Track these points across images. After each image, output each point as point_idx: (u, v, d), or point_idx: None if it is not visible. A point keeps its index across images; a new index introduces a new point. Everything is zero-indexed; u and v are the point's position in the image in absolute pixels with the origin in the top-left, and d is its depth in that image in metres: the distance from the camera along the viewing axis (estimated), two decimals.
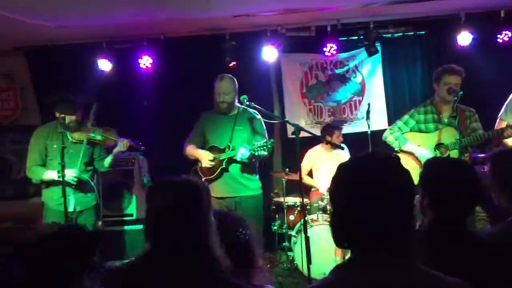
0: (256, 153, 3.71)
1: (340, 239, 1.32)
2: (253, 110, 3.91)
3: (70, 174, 3.76)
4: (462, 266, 1.65)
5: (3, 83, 5.86)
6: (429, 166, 2.02)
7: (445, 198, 1.84)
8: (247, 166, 3.93)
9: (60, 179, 3.67)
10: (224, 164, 3.89)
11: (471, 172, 1.92)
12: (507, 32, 4.95)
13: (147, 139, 5.34)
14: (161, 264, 1.60)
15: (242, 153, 3.75)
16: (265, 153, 3.73)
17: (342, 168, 1.36)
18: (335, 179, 1.36)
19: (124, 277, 1.66)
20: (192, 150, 4.01)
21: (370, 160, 1.36)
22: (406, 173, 1.31)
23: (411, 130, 4.02)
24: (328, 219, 4.50)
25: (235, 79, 4.02)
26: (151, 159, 5.36)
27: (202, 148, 4.02)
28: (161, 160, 5.02)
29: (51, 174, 3.82)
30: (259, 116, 3.99)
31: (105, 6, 4.26)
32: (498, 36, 4.99)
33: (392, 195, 1.26)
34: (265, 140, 3.74)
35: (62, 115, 3.79)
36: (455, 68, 3.87)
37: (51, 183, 3.88)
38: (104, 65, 5.19)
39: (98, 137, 3.88)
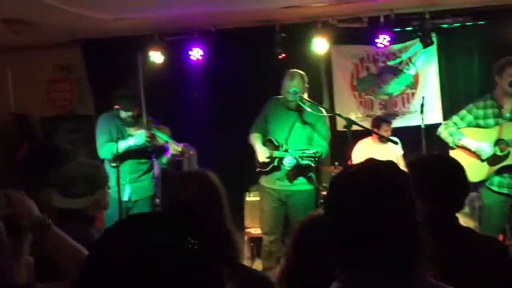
0: (301, 162, 3.67)
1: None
2: (320, 108, 3.84)
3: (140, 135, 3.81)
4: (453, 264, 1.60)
5: (61, 74, 6.08)
6: (413, 164, 1.95)
7: (434, 195, 1.78)
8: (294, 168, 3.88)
9: (115, 168, 3.76)
10: (275, 162, 3.88)
11: (457, 166, 1.89)
12: None
13: (197, 130, 5.45)
14: None
15: (288, 162, 3.73)
16: (311, 164, 3.68)
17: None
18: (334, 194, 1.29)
19: None
20: (254, 141, 3.99)
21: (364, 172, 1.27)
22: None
23: (468, 126, 3.84)
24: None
25: (305, 75, 3.91)
26: (200, 151, 5.42)
27: (264, 135, 4.00)
28: (211, 151, 5.06)
29: (124, 144, 3.84)
30: (324, 117, 3.90)
31: None
32: None
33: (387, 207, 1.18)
34: (315, 151, 3.68)
35: (119, 109, 3.88)
36: None
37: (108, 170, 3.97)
38: (156, 57, 5.28)
39: (162, 137, 3.92)
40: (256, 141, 3.99)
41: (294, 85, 3.80)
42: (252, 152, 4.03)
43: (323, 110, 3.92)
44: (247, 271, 1.69)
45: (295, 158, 3.72)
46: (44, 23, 4.78)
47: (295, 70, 3.93)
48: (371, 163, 1.28)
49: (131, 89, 3.93)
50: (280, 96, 4.00)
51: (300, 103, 3.81)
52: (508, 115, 3.69)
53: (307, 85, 3.92)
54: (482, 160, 3.71)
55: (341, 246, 1.20)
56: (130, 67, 4.09)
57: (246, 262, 4.86)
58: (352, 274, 1.20)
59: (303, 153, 3.69)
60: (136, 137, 3.85)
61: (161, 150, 4.02)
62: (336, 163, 4.92)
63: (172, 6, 4.62)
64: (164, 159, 4.07)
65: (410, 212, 1.20)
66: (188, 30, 5.33)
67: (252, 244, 5.04)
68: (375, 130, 4.99)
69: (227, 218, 1.76)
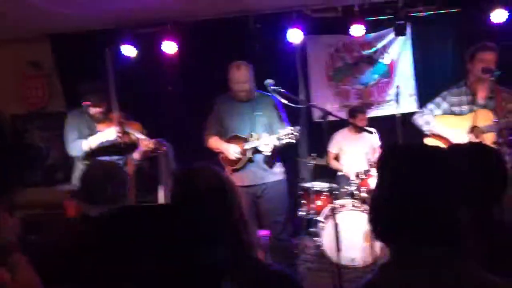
0: (283, 142, 3.64)
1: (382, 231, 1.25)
2: (271, 93, 3.80)
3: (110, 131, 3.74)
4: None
5: (31, 70, 5.91)
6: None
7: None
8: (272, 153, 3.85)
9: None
10: (250, 153, 3.83)
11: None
12: None
13: (172, 125, 5.37)
14: None
15: (266, 147, 3.69)
16: (293, 141, 3.65)
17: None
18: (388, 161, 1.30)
19: None
20: (216, 143, 3.94)
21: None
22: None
23: (443, 113, 3.86)
24: (363, 207, 4.42)
25: (250, 65, 3.88)
26: (177, 147, 5.34)
27: (221, 136, 3.96)
28: (186, 146, 4.99)
29: (93, 139, 3.77)
30: (280, 99, 3.89)
31: None
32: None
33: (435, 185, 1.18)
34: (291, 128, 3.66)
35: (87, 104, 3.78)
36: (488, 44, 3.69)
37: (81, 168, 3.88)
38: (129, 50, 5.17)
39: (133, 133, 3.83)
40: (218, 142, 3.93)
41: (241, 76, 3.78)
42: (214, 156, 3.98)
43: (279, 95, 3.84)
44: (263, 266, 1.63)
45: (278, 139, 3.67)
46: (9, 16, 4.62)
47: (240, 61, 3.88)
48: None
49: (99, 84, 3.83)
50: (222, 96, 4.00)
51: (276, 94, 3.76)
52: (481, 102, 3.72)
53: (253, 73, 3.88)
54: None
55: (401, 223, 1.21)
56: (101, 62, 3.99)
57: None
58: (408, 251, 1.21)
59: (278, 133, 3.65)
60: (106, 134, 3.76)
61: (133, 146, 3.94)
62: (313, 154, 4.90)
63: None
64: (136, 155, 3.98)
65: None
66: (161, 22, 5.23)
67: None
68: (351, 120, 4.99)
69: (242, 209, 1.71)
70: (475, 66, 3.67)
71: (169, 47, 5.15)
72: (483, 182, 1.65)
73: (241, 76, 3.80)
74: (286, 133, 3.62)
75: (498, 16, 4.74)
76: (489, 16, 4.77)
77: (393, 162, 1.28)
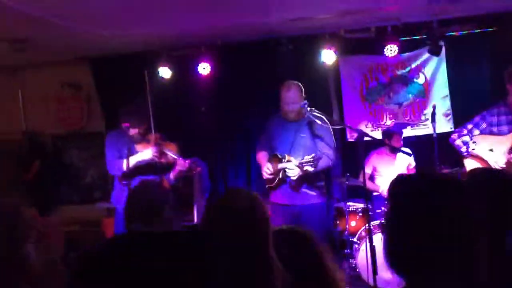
0: (304, 168, 3.64)
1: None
2: (320, 116, 3.82)
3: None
4: None
5: (70, 92, 6.12)
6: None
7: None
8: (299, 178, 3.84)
9: (125, 186, 3.76)
10: (280, 175, 3.85)
11: None
12: None
13: (207, 146, 5.45)
14: None
15: (291, 171, 3.72)
16: (311, 169, 3.64)
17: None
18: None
19: None
20: (261, 159, 4.04)
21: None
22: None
23: (481, 133, 3.79)
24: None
25: (301, 86, 3.93)
26: (210, 166, 5.41)
27: (269, 152, 4.02)
28: (220, 167, 5.06)
29: (132, 159, 3.83)
30: (326, 124, 3.88)
31: (163, 13, 4.33)
32: None
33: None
34: (313, 155, 3.65)
35: (127, 126, 3.88)
36: None
37: (120, 187, 3.96)
38: (165, 72, 5.30)
39: (170, 154, 3.91)
40: (262, 159, 4.01)
41: (291, 96, 3.80)
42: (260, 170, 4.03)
43: (326, 119, 3.86)
44: None
45: (297, 166, 3.68)
46: (46, 40, 4.81)
47: (291, 81, 3.93)
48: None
49: (138, 106, 3.94)
50: (277, 114, 4.03)
51: (310, 114, 3.78)
52: None
53: (304, 95, 3.91)
54: None
55: (413, 256, 1.19)
56: (138, 83, 4.10)
57: None
58: (421, 285, 1.18)
59: (302, 159, 3.66)
60: (144, 154, 3.85)
61: (169, 166, 4.01)
62: (347, 174, 4.86)
63: (178, 22, 4.64)
64: (172, 175, 4.05)
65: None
66: (195, 45, 5.35)
67: None
68: (387, 141, 4.96)
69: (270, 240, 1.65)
70: None
71: (203, 68, 5.26)
72: (498, 213, 1.57)
73: (290, 96, 3.83)
74: (307, 160, 3.62)
75: None
76: None
77: (404, 193, 1.25)
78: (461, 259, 1.16)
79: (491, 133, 3.75)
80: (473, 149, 3.75)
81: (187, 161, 3.90)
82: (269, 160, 3.95)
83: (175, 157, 3.91)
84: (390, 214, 1.29)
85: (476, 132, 3.81)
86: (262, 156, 4.03)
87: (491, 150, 3.68)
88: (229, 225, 1.57)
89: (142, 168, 3.91)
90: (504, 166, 3.62)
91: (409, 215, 1.21)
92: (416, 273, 1.19)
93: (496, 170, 2.26)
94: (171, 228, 2.16)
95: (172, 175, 4.06)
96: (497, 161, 3.63)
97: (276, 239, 1.63)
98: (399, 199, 1.26)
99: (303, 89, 3.93)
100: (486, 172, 2.04)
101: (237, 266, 1.52)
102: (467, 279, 1.16)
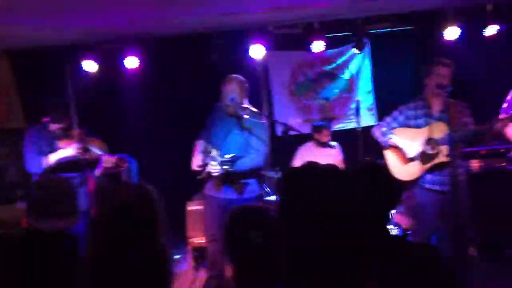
0: (223, 167, 3.64)
1: None
2: (255, 111, 3.81)
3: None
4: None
5: None
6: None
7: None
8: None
9: None
10: (206, 168, 3.84)
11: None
12: (494, 26, 4.94)
13: (136, 141, 5.33)
14: None
15: (213, 168, 3.69)
16: (230, 169, 3.64)
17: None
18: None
19: None
20: (194, 148, 3.92)
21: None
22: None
23: (400, 126, 3.98)
24: None
25: (244, 79, 3.88)
26: (140, 162, 5.30)
27: (207, 141, 3.90)
28: (151, 162, 4.97)
29: (54, 155, 3.70)
30: (262, 120, 3.88)
31: (87, 5, 4.17)
32: (485, 30, 4.98)
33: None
34: (233, 155, 3.65)
35: (47, 120, 3.72)
36: (443, 60, 3.85)
37: None
38: (89, 66, 5.12)
39: (95, 150, 3.78)
40: (196, 148, 3.94)
41: (231, 91, 3.78)
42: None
43: (261, 116, 3.90)
44: None
45: (218, 164, 3.69)
46: None
47: (233, 75, 3.90)
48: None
49: (60, 100, 3.77)
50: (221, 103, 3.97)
51: (237, 110, 3.80)
52: (437, 115, 3.86)
53: (246, 89, 3.91)
54: (409, 159, 3.86)
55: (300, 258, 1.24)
56: (61, 77, 3.94)
57: (190, 272, 4.80)
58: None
59: (223, 158, 3.65)
60: (66, 150, 3.70)
61: (94, 163, 3.88)
62: (277, 168, 4.94)
63: (104, 14, 4.49)
64: (97, 172, 3.93)
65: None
66: (123, 38, 5.21)
67: (196, 253, 4.97)
68: (316, 135, 5.09)
69: (161, 233, 1.71)
70: (431, 81, 3.82)
71: (131, 62, 5.13)
72: (376, 199, 1.69)
73: (227, 90, 3.79)
74: (225, 160, 3.61)
75: (451, 33, 4.95)
76: (442, 33, 4.97)
77: (288, 185, 1.31)
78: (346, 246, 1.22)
79: (409, 126, 3.94)
80: (391, 140, 3.93)
81: (114, 158, 3.79)
82: (206, 150, 3.89)
83: (100, 153, 3.79)
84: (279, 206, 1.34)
85: (395, 125, 3.99)
86: (198, 144, 3.93)
87: (409, 142, 3.88)
88: (116, 219, 1.59)
89: (65, 165, 3.76)
90: (420, 156, 3.82)
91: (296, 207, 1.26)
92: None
93: (376, 163, 2.42)
94: (73, 224, 2.12)
95: (97, 172, 3.94)
96: (414, 152, 3.83)
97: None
98: (285, 192, 1.30)
99: (246, 84, 3.90)
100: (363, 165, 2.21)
101: (124, 262, 1.54)
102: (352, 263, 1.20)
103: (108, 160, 3.77)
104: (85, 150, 3.74)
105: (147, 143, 5.34)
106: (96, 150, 3.79)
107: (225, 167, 3.63)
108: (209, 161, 3.75)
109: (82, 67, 5.07)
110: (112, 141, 4.15)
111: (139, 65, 5.17)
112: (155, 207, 1.72)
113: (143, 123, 5.48)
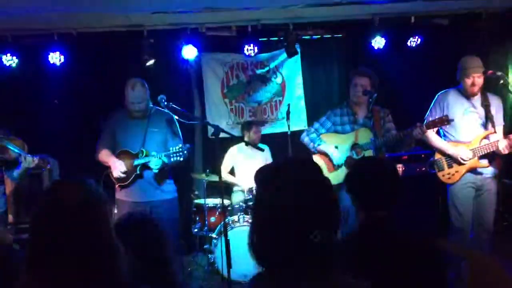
0: (172, 160, 3.60)
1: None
2: (168, 110, 3.76)
3: None
4: (390, 267, 1.71)
5: None
6: (353, 168, 2.08)
7: (371, 197, 1.94)
8: (161, 170, 3.79)
9: None
10: (138, 170, 3.74)
11: (393, 169, 2.05)
12: (416, 36, 5.23)
13: (59, 140, 5.07)
14: None
15: (155, 164, 3.65)
16: (181, 159, 3.62)
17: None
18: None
19: None
20: (105, 157, 3.81)
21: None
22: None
23: (328, 131, 4.09)
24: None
25: (145, 82, 3.81)
26: (63, 162, 5.05)
27: (113, 150, 3.84)
28: (73, 162, 4.75)
29: None
30: (175, 117, 3.86)
31: None
32: (409, 40, 5.25)
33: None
34: (181, 146, 3.63)
35: None
36: (361, 70, 4.03)
37: None
38: (9, 61, 4.81)
39: (14, 150, 3.54)
40: (107, 156, 3.82)
41: (136, 95, 3.72)
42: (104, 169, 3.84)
43: (169, 110, 3.81)
44: None
45: (160, 158, 3.63)
46: None
47: (135, 79, 3.81)
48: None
49: None
50: (120, 110, 3.90)
51: (168, 110, 3.73)
52: (361, 121, 4.00)
53: (148, 91, 3.83)
54: (335, 166, 3.97)
55: (271, 249, 1.26)
56: None
57: None
58: (276, 275, 1.24)
59: (168, 151, 3.62)
60: None
61: (12, 163, 3.65)
62: (208, 170, 4.91)
63: (26, 5, 4.23)
64: (16, 173, 3.70)
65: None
66: (47, 33, 4.94)
67: None
68: (246, 134, 5.11)
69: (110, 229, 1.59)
70: (353, 89, 3.97)
71: (56, 58, 4.89)
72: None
73: (136, 96, 3.71)
74: (175, 151, 3.59)
75: (378, 42, 5.16)
76: (370, 42, 5.17)
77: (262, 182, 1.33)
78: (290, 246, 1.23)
79: (336, 131, 4.06)
80: (319, 146, 4.03)
81: (35, 158, 3.58)
82: (119, 158, 3.79)
83: (20, 153, 3.57)
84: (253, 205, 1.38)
85: (323, 130, 4.10)
86: (106, 154, 3.83)
87: (336, 147, 3.99)
88: (60, 223, 1.47)
89: None
90: (346, 162, 3.94)
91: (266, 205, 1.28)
92: (274, 262, 1.26)
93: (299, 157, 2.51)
94: None
95: (15, 173, 3.71)
96: (340, 157, 3.94)
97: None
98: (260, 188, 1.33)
99: (147, 85, 3.82)
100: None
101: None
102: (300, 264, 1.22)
103: (29, 161, 3.55)
104: (3, 149, 3.52)
105: (70, 144, 5.09)
106: (15, 150, 3.56)
107: (174, 159, 3.60)
108: (143, 162, 3.68)
109: (1, 61, 4.76)
110: (35, 140, 3.93)
111: (65, 61, 4.93)
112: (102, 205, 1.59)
113: (66, 123, 5.21)
